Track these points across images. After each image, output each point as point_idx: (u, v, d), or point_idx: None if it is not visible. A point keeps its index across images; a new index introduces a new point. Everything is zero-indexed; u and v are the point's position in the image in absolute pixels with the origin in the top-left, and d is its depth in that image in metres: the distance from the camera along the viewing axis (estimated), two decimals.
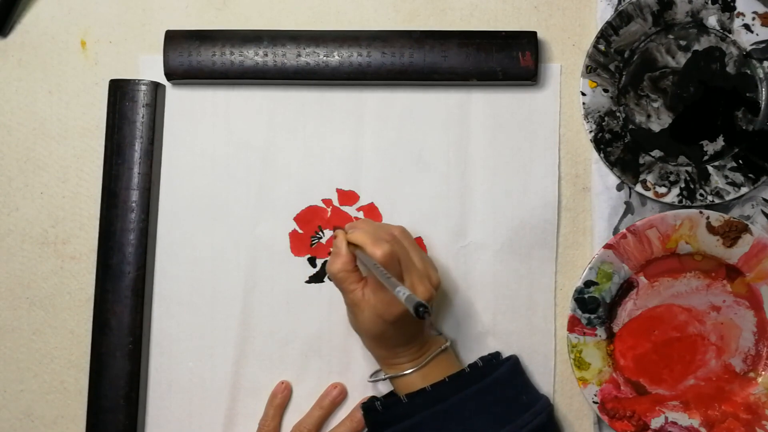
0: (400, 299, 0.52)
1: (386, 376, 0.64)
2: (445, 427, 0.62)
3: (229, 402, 0.69)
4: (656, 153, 0.69)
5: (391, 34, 0.69)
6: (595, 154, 0.69)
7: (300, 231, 0.70)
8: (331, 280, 0.64)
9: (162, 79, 0.70)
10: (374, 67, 0.69)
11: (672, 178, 0.68)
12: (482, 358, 0.66)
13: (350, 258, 0.61)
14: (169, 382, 0.70)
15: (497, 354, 0.68)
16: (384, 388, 0.68)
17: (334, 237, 0.63)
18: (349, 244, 0.62)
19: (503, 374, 0.65)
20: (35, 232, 0.71)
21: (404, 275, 0.60)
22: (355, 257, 0.62)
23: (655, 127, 0.69)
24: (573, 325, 0.68)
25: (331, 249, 0.63)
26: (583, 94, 0.69)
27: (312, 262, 0.70)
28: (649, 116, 0.69)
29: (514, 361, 0.67)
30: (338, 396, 0.68)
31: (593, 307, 0.68)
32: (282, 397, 0.69)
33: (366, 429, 0.66)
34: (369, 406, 0.64)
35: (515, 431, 0.61)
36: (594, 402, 0.67)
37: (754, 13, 0.68)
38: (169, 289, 0.70)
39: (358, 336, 0.65)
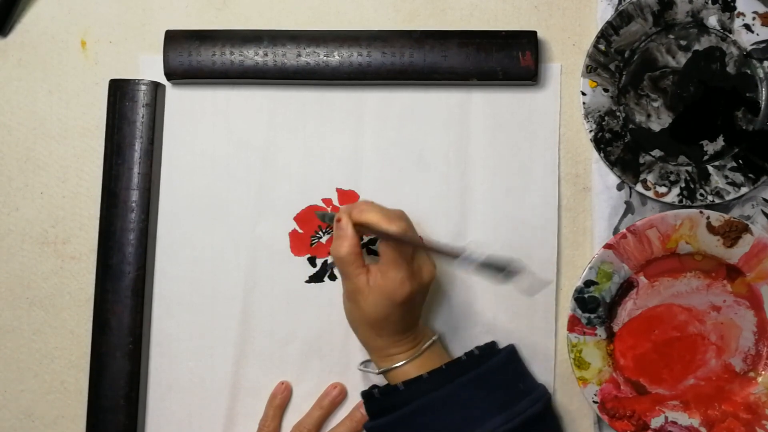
0: (477, 261, 0.48)
1: (380, 370, 0.64)
2: (442, 414, 0.62)
3: (229, 402, 0.69)
4: (656, 153, 0.69)
5: (391, 34, 0.69)
6: (595, 154, 0.69)
7: (300, 231, 0.70)
8: (334, 265, 0.63)
9: (162, 79, 0.70)
10: (374, 67, 0.69)
11: (672, 177, 0.68)
12: (479, 347, 0.67)
13: (357, 240, 0.61)
14: (169, 382, 0.70)
15: (493, 343, 0.68)
16: (379, 381, 0.68)
17: (337, 220, 0.62)
18: (355, 225, 0.61)
19: (500, 362, 0.65)
20: (35, 232, 0.71)
21: (414, 253, 0.61)
22: (361, 240, 0.62)
23: (655, 126, 0.69)
24: (573, 324, 0.68)
25: (334, 233, 0.62)
26: (584, 93, 0.69)
27: (312, 261, 0.70)
28: (649, 116, 0.69)
29: (510, 350, 0.67)
30: (338, 396, 0.68)
31: (593, 306, 0.68)
32: (282, 398, 0.69)
33: (363, 429, 0.67)
34: (368, 394, 0.65)
35: (512, 418, 0.61)
36: (594, 402, 0.67)
37: (755, 13, 0.68)
38: (169, 289, 0.70)
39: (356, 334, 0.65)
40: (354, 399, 0.69)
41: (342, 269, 0.62)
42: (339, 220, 0.62)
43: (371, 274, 0.61)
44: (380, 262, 0.61)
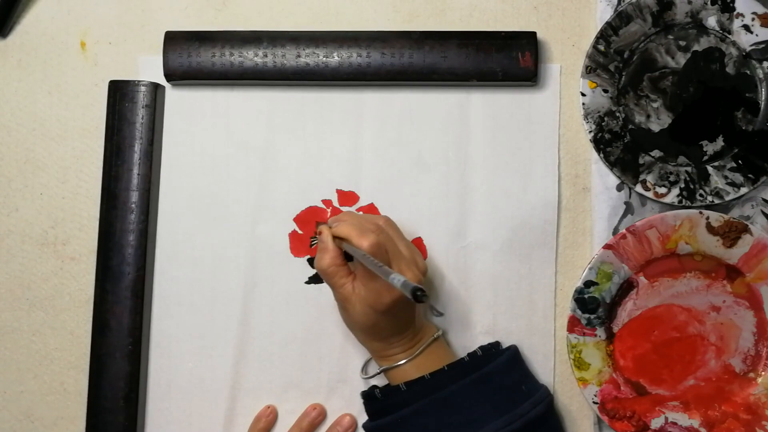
0: (396, 285, 0.51)
1: (380, 369, 0.64)
2: (444, 416, 0.62)
3: (229, 402, 0.69)
4: (656, 153, 0.69)
5: (391, 35, 0.69)
6: (594, 155, 0.69)
7: (300, 232, 0.70)
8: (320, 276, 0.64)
9: (161, 79, 0.70)
10: (374, 68, 0.69)
11: (672, 178, 0.68)
12: (482, 347, 0.67)
13: (338, 252, 0.62)
14: (168, 383, 0.70)
15: (497, 343, 0.68)
16: (379, 383, 0.68)
17: (318, 233, 0.64)
18: (335, 238, 0.62)
19: (502, 363, 0.65)
20: (35, 232, 0.71)
21: (392, 263, 0.61)
22: (342, 251, 0.62)
23: (655, 127, 0.69)
24: (573, 325, 0.68)
25: (318, 245, 0.63)
26: (583, 94, 0.69)
27: (312, 262, 0.70)
28: (648, 116, 0.69)
29: (513, 351, 0.67)
30: (317, 417, 0.68)
31: (593, 307, 0.68)
32: (266, 422, 0.68)
33: (363, 429, 0.67)
34: (369, 394, 0.65)
35: (514, 420, 0.61)
36: (594, 402, 0.67)
37: (754, 13, 0.68)
38: (169, 289, 0.70)
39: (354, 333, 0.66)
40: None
41: (326, 281, 0.63)
42: (320, 233, 0.63)
43: (356, 281, 0.62)
44: (360, 272, 0.62)
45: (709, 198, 0.68)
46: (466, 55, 0.68)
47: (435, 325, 0.68)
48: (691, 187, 0.68)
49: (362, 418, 0.67)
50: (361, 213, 0.70)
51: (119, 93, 0.70)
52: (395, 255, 0.61)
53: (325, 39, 0.69)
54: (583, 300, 0.67)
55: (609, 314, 0.68)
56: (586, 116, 0.69)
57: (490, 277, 0.69)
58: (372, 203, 0.70)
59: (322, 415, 0.69)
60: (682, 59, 0.69)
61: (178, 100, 0.71)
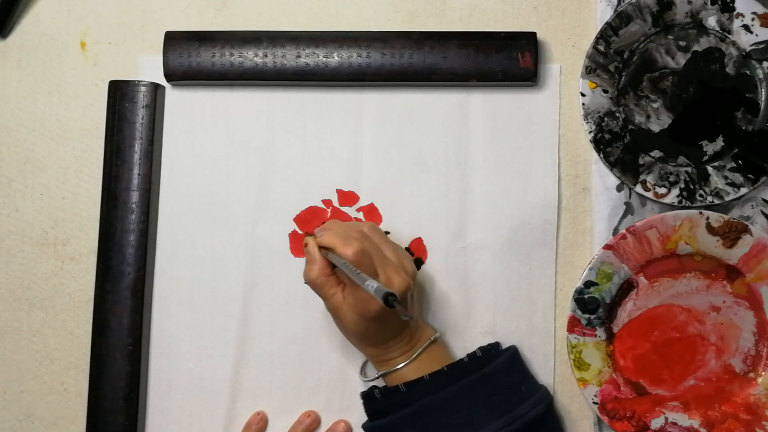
0: (369, 291, 0.53)
1: (378, 374, 0.64)
2: (443, 416, 0.62)
3: (229, 402, 0.69)
4: (656, 153, 0.69)
5: (391, 35, 0.69)
6: (594, 155, 0.69)
7: (300, 232, 0.70)
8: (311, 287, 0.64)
9: (161, 80, 0.70)
10: (374, 68, 0.69)
11: (672, 178, 0.68)
12: (481, 348, 0.67)
13: (325, 263, 0.62)
14: (168, 383, 0.70)
15: (496, 344, 0.68)
16: (379, 383, 0.68)
17: (305, 245, 0.64)
18: (321, 248, 0.62)
19: (502, 364, 0.65)
20: (35, 233, 0.71)
21: (378, 269, 0.60)
22: (330, 261, 0.62)
23: (655, 127, 0.69)
24: (573, 325, 0.68)
25: (306, 257, 0.63)
26: (583, 94, 0.69)
27: None
28: (648, 117, 0.69)
29: (513, 352, 0.67)
30: (311, 424, 0.68)
31: (593, 307, 0.68)
32: (257, 428, 0.68)
33: (362, 430, 0.67)
34: (368, 395, 0.65)
35: (513, 421, 0.61)
36: (594, 402, 0.67)
37: (754, 13, 0.68)
38: (169, 289, 0.70)
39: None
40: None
41: (316, 292, 0.63)
42: (306, 245, 0.63)
43: (345, 292, 0.62)
44: (349, 281, 0.62)
45: (709, 198, 0.68)
46: (466, 55, 0.68)
47: (432, 327, 0.68)
48: (691, 187, 0.68)
49: (362, 418, 0.67)
50: (360, 214, 0.70)
51: (119, 93, 0.70)
52: (381, 260, 0.61)
53: (325, 39, 0.69)
54: (583, 300, 0.67)
55: (609, 314, 0.68)
56: (586, 116, 0.69)
57: (490, 277, 0.69)
58: (372, 203, 0.70)
59: (316, 422, 0.69)
60: (682, 59, 0.69)
61: (178, 100, 0.71)
